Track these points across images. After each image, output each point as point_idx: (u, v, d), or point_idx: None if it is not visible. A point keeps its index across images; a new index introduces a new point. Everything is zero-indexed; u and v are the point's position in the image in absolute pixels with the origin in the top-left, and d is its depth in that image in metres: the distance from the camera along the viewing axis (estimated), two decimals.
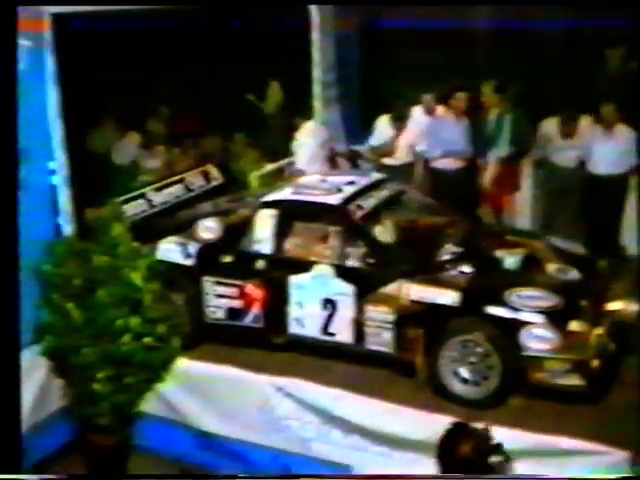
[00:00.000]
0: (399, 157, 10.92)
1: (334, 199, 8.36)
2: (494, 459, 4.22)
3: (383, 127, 11.06)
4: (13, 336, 5.37)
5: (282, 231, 8.29)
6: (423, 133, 10.80)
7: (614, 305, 7.62)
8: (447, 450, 4.34)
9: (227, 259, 8.40)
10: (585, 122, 10.28)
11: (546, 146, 10.40)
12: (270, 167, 10.97)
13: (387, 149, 10.87)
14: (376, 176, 9.31)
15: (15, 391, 5.44)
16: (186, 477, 8.00)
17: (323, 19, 11.68)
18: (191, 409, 8.10)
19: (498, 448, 4.35)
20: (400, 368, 7.67)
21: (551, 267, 7.93)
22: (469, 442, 4.30)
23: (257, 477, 7.49)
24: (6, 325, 5.25)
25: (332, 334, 7.98)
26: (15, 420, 5.41)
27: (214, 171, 10.38)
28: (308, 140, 10.97)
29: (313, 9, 11.54)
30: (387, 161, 10.96)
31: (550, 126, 10.36)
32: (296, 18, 11.70)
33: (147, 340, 7.84)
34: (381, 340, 7.74)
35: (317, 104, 11.91)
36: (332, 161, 11.23)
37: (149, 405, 8.15)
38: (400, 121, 10.95)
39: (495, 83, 10.59)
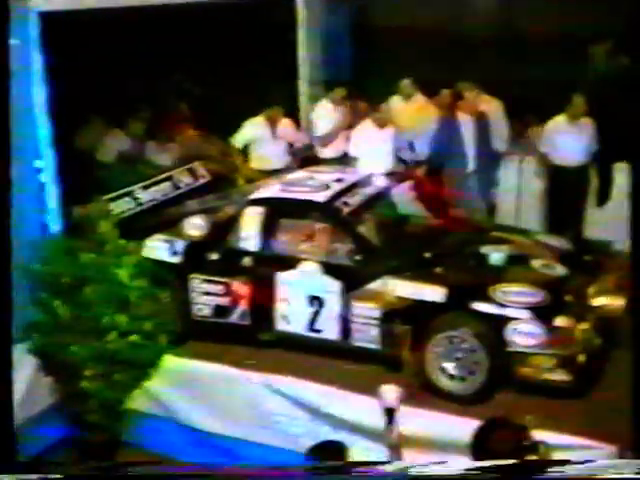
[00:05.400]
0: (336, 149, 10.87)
1: (321, 196, 8.38)
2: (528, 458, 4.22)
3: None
4: (5, 332, 5.37)
5: (269, 228, 8.31)
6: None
7: (600, 300, 7.66)
8: (480, 444, 4.32)
9: (214, 256, 8.41)
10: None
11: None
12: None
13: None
14: (363, 173, 9.32)
15: (7, 387, 5.45)
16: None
17: (311, 15, 11.68)
18: (180, 406, 8.12)
19: (535, 447, 4.35)
20: (387, 364, 7.68)
21: (537, 263, 7.96)
22: (503, 438, 4.29)
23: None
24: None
25: (319, 331, 8.00)
26: (8, 415, 5.41)
27: (201, 169, 10.38)
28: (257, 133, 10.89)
29: (300, 5, 11.55)
30: (325, 153, 10.94)
31: None
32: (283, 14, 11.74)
33: (134, 338, 7.85)
34: (368, 336, 7.78)
35: (303, 101, 11.92)
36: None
37: (138, 402, 8.17)
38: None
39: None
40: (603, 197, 10.58)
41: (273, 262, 8.21)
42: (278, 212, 8.37)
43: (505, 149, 10.74)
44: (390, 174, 10.01)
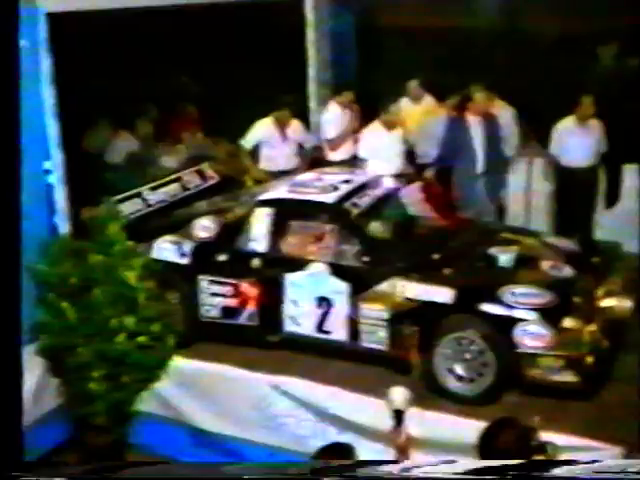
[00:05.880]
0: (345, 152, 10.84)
1: (330, 197, 8.38)
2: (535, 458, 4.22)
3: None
4: (14, 333, 5.37)
5: (278, 229, 8.31)
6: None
7: (607, 302, 7.64)
8: (487, 445, 4.33)
9: (222, 258, 8.41)
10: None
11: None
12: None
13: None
14: (372, 174, 9.32)
15: (16, 388, 5.44)
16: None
17: (318, 17, 11.69)
18: (187, 407, 8.12)
19: (542, 448, 4.35)
20: (395, 366, 7.67)
21: (545, 264, 7.94)
22: (510, 438, 4.29)
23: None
24: (7, 323, 5.25)
25: (327, 332, 8.00)
26: (17, 416, 5.40)
27: (210, 170, 10.39)
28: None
29: (308, 7, 11.57)
30: (334, 156, 10.88)
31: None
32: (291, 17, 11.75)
33: (142, 339, 7.86)
34: (376, 338, 7.77)
35: (312, 103, 11.93)
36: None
37: (145, 403, 8.17)
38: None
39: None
40: (612, 198, 10.56)
41: (281, 263, 8.21)
42: (287, 213, 8.37)
43: (514, 154, 10.71)
44: (399, 175, 9.99)
